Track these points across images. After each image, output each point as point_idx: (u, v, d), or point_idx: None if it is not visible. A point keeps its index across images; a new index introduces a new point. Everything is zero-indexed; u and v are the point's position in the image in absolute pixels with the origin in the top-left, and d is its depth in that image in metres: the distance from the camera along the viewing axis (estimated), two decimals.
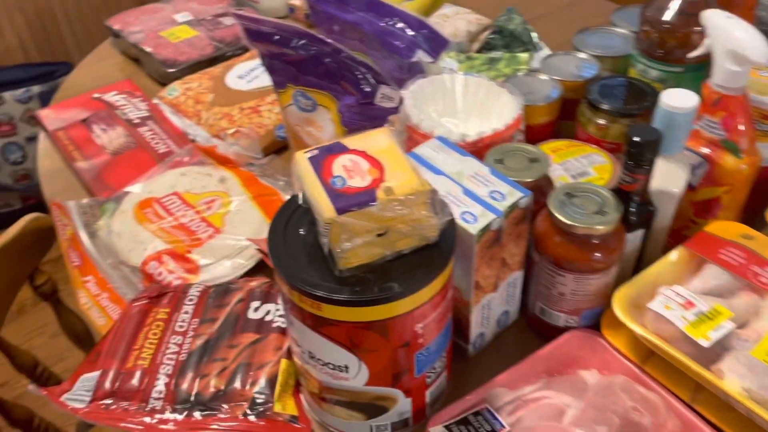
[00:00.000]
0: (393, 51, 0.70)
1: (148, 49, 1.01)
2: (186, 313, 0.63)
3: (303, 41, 0.67)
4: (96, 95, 0.97)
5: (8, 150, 1.73)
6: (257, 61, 0.96)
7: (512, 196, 0.54)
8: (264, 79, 0.92)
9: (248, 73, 0.94)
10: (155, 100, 0.95)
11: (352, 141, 0.50)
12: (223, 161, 0.84)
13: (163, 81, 1.02)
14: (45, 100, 1.73)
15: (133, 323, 0.62)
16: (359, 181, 0.46)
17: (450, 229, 0.49)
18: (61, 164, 0.88)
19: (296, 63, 0.70)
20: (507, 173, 0.57)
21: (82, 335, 0.89)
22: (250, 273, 0.71)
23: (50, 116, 0.93)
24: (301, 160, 0.49)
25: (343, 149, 0.49)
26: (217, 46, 1.04)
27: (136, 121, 0.91)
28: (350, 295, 0.46)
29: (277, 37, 0.69)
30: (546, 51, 0.92)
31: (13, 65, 1.79)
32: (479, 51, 0.94)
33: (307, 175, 0.48)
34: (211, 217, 0.76)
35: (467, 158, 0.58)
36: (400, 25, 0.70)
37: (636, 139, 0.54)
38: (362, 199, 0.45)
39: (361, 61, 0.64)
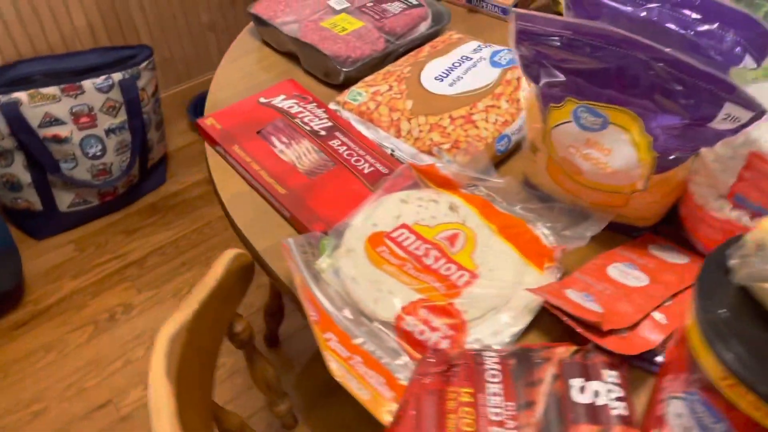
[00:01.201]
0: (707, 58, 0.57)
1: (313, 43, 0.87)
2: (495, 394, 0.51)
3: (609, 46, 0.54)
4: (263, 100, 0.83)
5: (87, 143, 1.60)
6: (451, 59, 0.83)
7: None
8: (470, 82, 0.79)
9: (446, 74, 0.80)
10: (333, 106, 0.82)
11: None
12: (443, 183, 0.71)
13: (332, 81, 0.88)
14: (127, 89, 1.59)
15: (432, 409, 0.50)
16: None
17: None
18: (242, 185, 0.75)
19: (587, 72, 0.57)
20: None
21: (274, 385, 0.78)
22: (525, 330, 0.59)
23: (215, 126, 0.79)
24: None
25: None
26: (387, 39, 0.90)
27: (322, 133, 0.78)
28: None
29: (565, 41, 0.56)
30: None
31: (87, 50, 1.64)
32: None
33: None
34: (458, 257, 0.63)
35: None
36: (713, 24, 0.57)
37: None
38: None
39: (705, 71, 0.51)
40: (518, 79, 0.79)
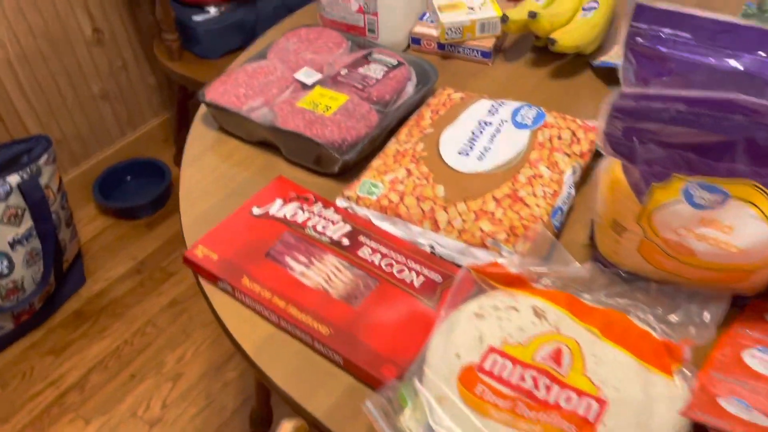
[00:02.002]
0: None
1: (299, 131, 0.73)
2: None
3: (734, 115, 0.45)
4: (257, 211, 0.69)
5: None
6: (467, 127, 0.72)
7: None
8: (501, 151, 0.68)
9: (470, 147, 0.69)
10: (342, 203, 0.69)
11: None
12: (511, 282, 0.60)
13: (325, 170, 0.75)
14: (29, 191, 1.35)
15: None
16: None
17: None
18: (266, 326, 0.60)
19: (701, 146, 0.48)
20: None
21: None
22: None
23: (210, 257, 0.64)
24: None
25: None
26: (378, 110, 0.78)
27: (345, 242, 0.65)
28: None
29: (676, 115, 0.47)
30: None
31: None
32: None
33: None
34: (572, 380, 0.52)
35: None
36: None
37: None
38: None
39: None
40: (551, 139, 0.70)
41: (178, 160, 1.88)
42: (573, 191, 0.68)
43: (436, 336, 0.56)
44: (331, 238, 0.65)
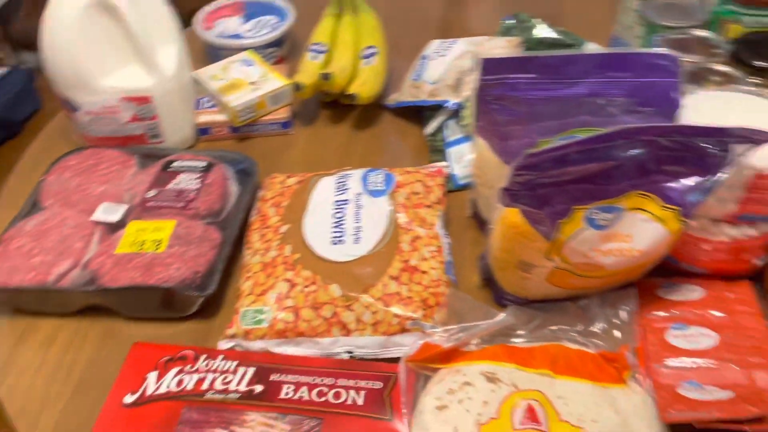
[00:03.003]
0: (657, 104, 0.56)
1: (137, 284, 0.60)
2: None
3: (617, 142, 0.49)
4: (130, 399, 0.55)
5: None
6: (325, 212, 0.66)
7: None
8: (372, 226, 0.64)
9: (340, 234, 0.64)
10: (226, 345, 0.59)
11: None
12: (447, 357, 0.57)
13: (180, 314, 0.63)
14: None
15: None
16: None
17: None
18: None
19: (590, 177, 0.51)
20: None
21: None
22: None
23: None
24: None
25: None
26: (212, 224, 0.68)
27: (258, 389, 0.55)
28: None
29: (574, 157, 0.49)
30: (593, 44, 0.84)
31: None
32: None
33: None
34: (556, 431, 0.52)
35: None
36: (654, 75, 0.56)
37: None
38: None
39: (702, 127, 0.49)
40: (409, 197, 0.68)
41: None
42: (449, 239, 0.68)
43: None
44: (239, 392, 0.55)
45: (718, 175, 0.52)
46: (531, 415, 0.53)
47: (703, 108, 0.59)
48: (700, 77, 0.68)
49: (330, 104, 0.90)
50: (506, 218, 0.56)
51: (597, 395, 0.55)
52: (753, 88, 0.63)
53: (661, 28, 0.76)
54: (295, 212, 0.68)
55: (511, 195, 0.52)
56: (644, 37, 0.79)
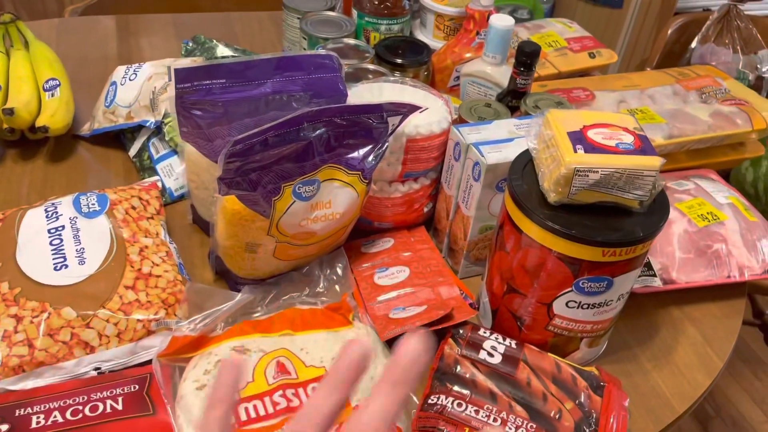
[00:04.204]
0: (329, 94, 0.68)
1: None
2: None
3: (283, 130, 0.59)
4: None
5: None
6: (40, 239, 0.64)
7: None
8: (94, 245, 0.65)
9: (62, 258, 0.62)
10: None
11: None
12: (200, 344, 0.61)
13: None
14: None
15: None
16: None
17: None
18: None
19: (289, 157, 0.60)
20: None
21: None
22: None
23: None
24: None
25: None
26: None
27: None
28: None
29: (272, 140, 0.57)
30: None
31: None
32: None
33: None
34: (305, 376, 0.60)
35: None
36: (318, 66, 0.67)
37: (527, 50, 0.78)
38: None
39: (363, 105, 0.63)
40: (127, 212, 0.70)
41: None
42: (174, 245, 0.72)
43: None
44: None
45: (383, 142, 0.67)
46: (281, 369, 0.61)
47: (364, 95, 0.73)
48: (357, 76, 0.84)
49: (16, 142, 0.86)
50: (226, 206, 0.62)
51: (331, 339, 0.65)
52: (397, 78, 0.80)
53: (321, 39, 0.91)
54: (4, 250, 0.65)
55: (227, 183, 0.59)
56: (309, 49, 0.93)
